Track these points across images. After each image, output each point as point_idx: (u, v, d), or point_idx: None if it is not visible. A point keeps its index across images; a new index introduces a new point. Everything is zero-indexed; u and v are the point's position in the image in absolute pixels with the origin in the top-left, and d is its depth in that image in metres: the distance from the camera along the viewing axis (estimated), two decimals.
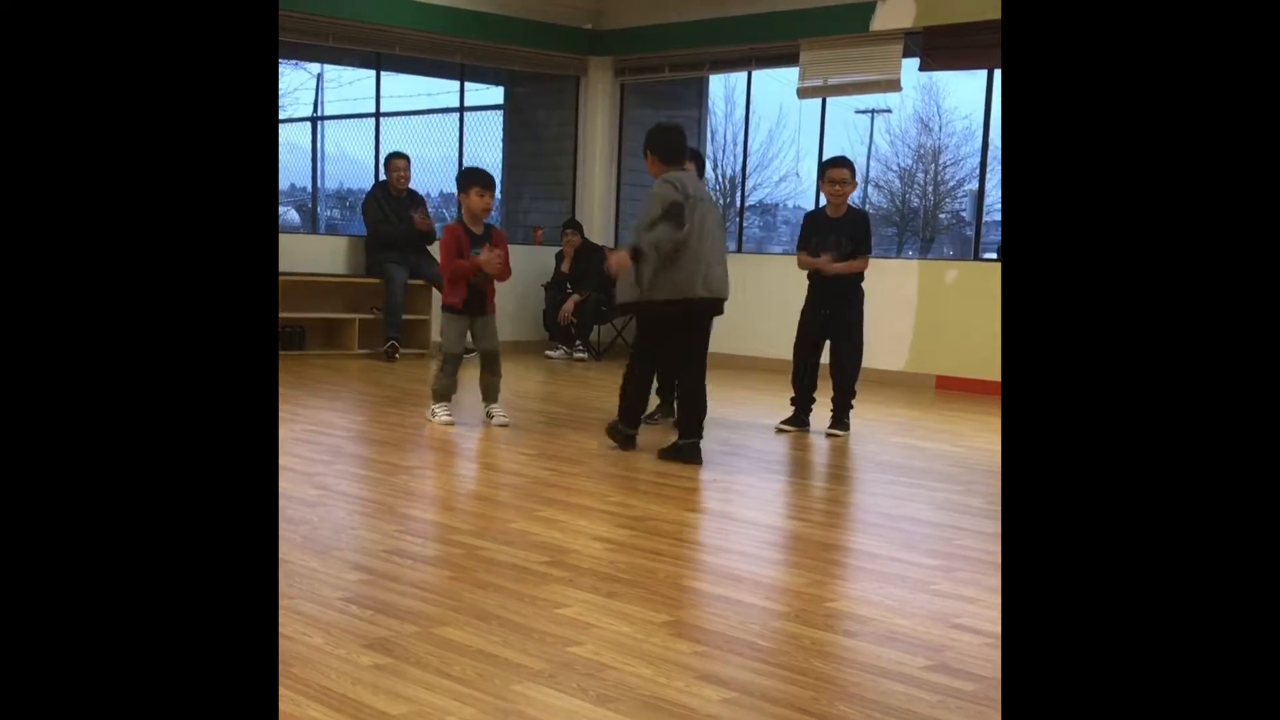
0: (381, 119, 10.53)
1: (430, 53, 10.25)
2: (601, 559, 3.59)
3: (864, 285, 6.40)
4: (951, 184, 19.97)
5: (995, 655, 2.84)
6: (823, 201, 6.63)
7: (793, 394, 6.45)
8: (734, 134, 11.62)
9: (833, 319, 6.33)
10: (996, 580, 3.53)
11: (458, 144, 10.71)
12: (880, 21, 9.01)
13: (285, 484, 4.41)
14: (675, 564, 3.62)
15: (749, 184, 12.15)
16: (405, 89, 11.74)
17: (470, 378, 6.48)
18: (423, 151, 10.75)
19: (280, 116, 11.70)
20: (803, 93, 9.72)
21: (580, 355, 10.02)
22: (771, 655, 2.81)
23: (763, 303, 9.36)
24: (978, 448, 6.15)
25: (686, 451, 5.40)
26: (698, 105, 11.38)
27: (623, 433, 5.66)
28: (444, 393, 6.15)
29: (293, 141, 13.77)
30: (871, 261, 6.44)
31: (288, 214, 14.39)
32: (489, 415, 6.19)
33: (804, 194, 11.28)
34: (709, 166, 12.63)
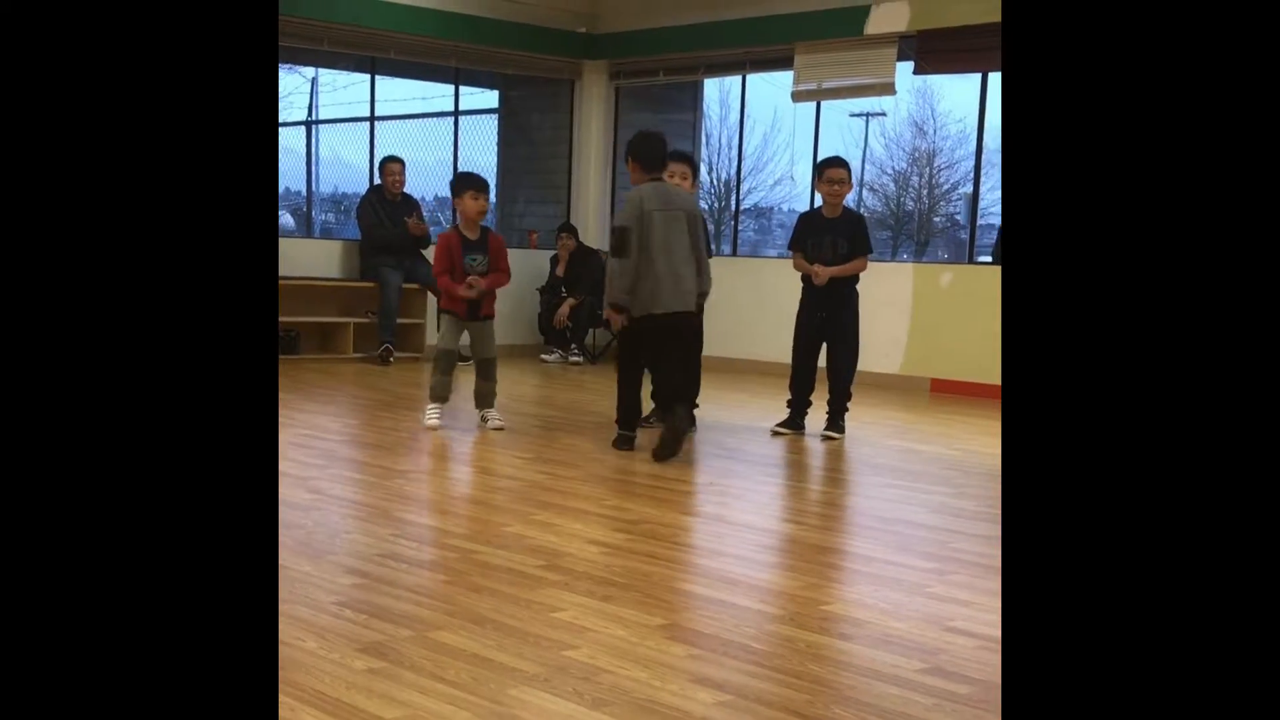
0: (376, 123, 10.52)
1: (425, 56, 10.25)
2: (597, 563, 3.59)
3: (859, 288, 6.41)
4: (946, 187, 19.98)
5: (990, 658, 2.84)
6: (818, 203, 6.62)
7: (789, 397, 6.45)
8: (729, 137, 11.64)
9: (828, 322, 6.33)
10: (991, 583, 3.53)
11: (452, 148, 10.71)
12: (874, 25, 9.02)
13: (280, 488, 4.41)
14: (670, 567, 3.62)
15: (744, 187, 12.16)
16: (400, 93, 11.75)
17: (466, 383, 6.47)
18: (417, 155, 10.76)
19: None
20: (797, 96, 9.73)
21: (575, 359, 10.02)
22: (766, 658, 2.81)
23: (758, 306, 9.36)
24: (973, 451, 6.16)
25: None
26: (692, 109, 11.38)
27: (619, 434, 5.70)
28: (440, 392, 6.11)
29: (287, 145, 13.76)
30: (867, 265, 6.43)
31: (282, 218, 14.37)
32: (484, 419, 6.19)
33: (799, 197, 11.31)
34: (704, 170, 12.65)
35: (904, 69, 9.15)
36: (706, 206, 12.61)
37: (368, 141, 10.38)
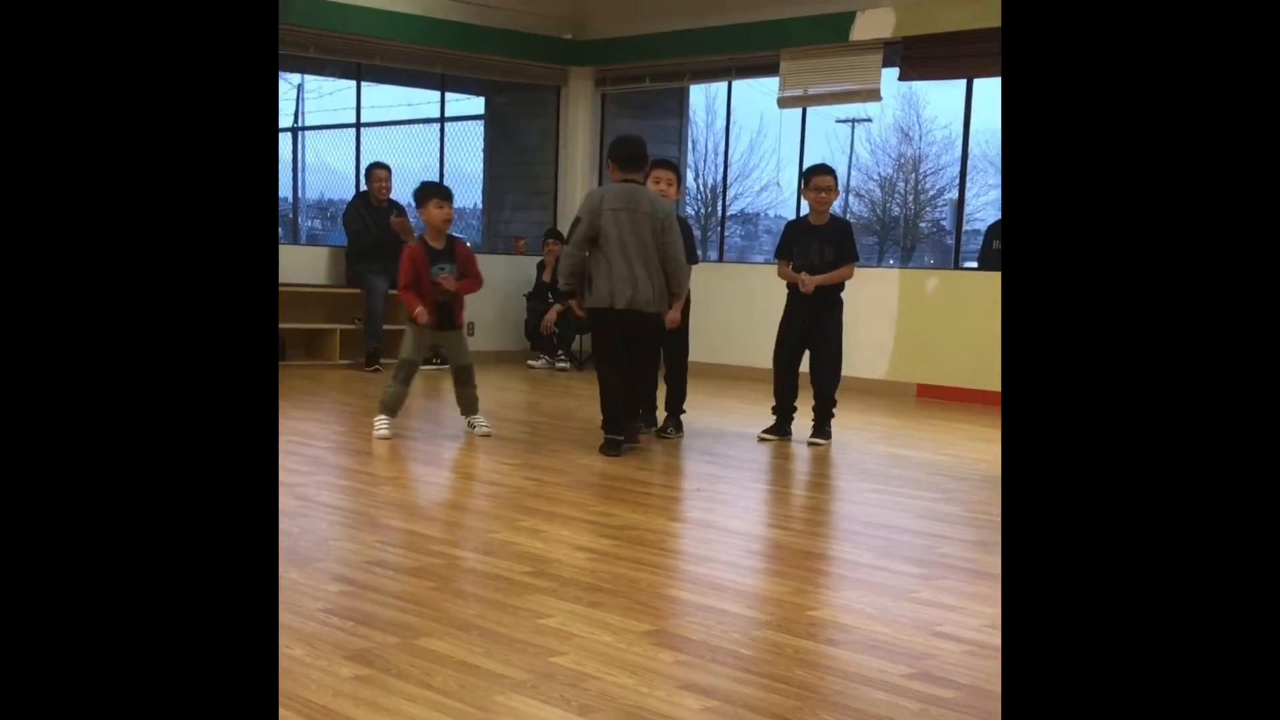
0: (362, 129, 10.51)
1: (410, 63, 10.25)
2: (584, 569, 3.58)
3: (844, 294, 6.42)
4: (932, 193, 20.01)
5: (977, 663, 2.85)
6: (804, 210, 6.64)
7: (774, 403, 6.46)
8: (715, 144, 11.64)
9: (812, 328, 6.34)
10: (978, 588, 3.54)
11: (438, 154, 10.71)
12: (860, 31, 9.04)
13: None
14: (657, 573, 3.62)
15: (730, 193, 12.17)
16: (386, 99, 11.74)
17: (443, 390, 6.47)
18: (403, 162, 10.73)
19: None
20: (783, 102, 9.75)
21: (562, 365, 10.02)
22: (754, 664, 2.81)
23: (744, 312, 9.37)
24: (959, 456, 6.17)
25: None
26: (678, 115, 11.40)
27: (605, 439, 5.72)
28: (392, 405, 6.03)
29: None
30: (854, 272, 6.43)
31: None
32: (471, 425, 6.17)
33: (785, 203, 11.32)
34: (690, 176, 12.66)
35: (889, 75, 9.18)
36: (693, 212, 12.61)
37: (354, 148, 10.37)
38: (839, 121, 18.51)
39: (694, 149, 12.04)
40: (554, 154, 11.16)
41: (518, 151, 11.62)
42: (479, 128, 11.68)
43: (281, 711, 2.37)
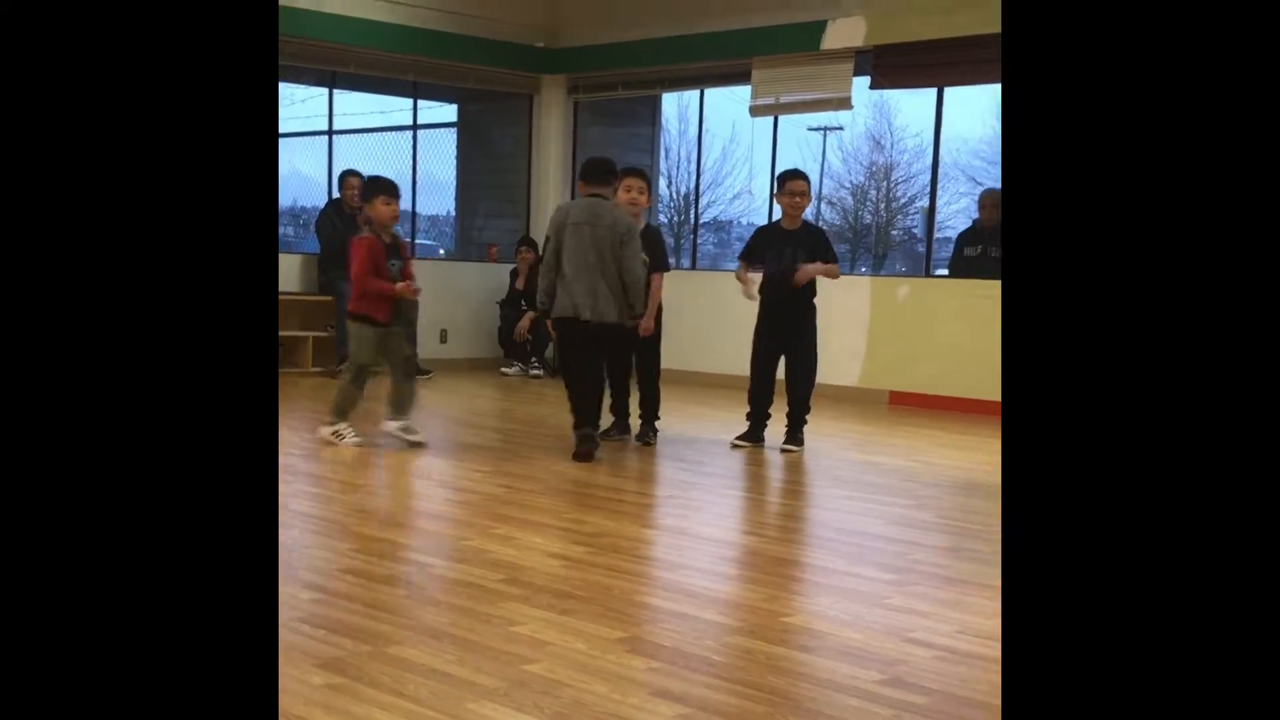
0: (334, 137, 10.49)
1: (383, 70, 10.23)
2: (557, 576, 3.58)
3: (817, 301, 6.44)
4: (904, 201, 20.10)
5: (948, 669, 2.86)
6: (776, 216, 6.66)
7: (748, 409, 6.47)
8: (688, 151, 11.66)
9: (786, 335, 6.36)
10: (949, 594, 3.56)
11: (411, 162, 10.69)
12: (831, 40, 9.08)
13: None
14: (631, 580, 3.62)
15: (703, 201, 12.20)
16: (358, 107, 11.70)
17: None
18: (376, 169, 10.70)
19: None
20: (755, 111, 9.78)
21: (535, 372, 10.01)
22: (726, 671, 2.81)
23: (717, 319, 9.38)
24: (931, 463, 6.19)
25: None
26: (651, 123, 11.42)
27: (577, 440, 5.78)
28: (347, 408, 5.96)
29: None
30: (823, 279, 6.45)
31: None
32: (405, 431, 5.98)
33: (757, 211, 11.34)
34: (663, 184, 12.67)
35: (861, 83, 9.22)
36: (666, 220, 12.64)
37: (326, 155, 10.34)
38: (811, 130, 18.57)
39: (666, 157, 12.07)
40: (526, 162, 11.16)
41: (490, 159, 11.62)
42: (452, 135, 11.67)
43: None
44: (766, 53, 9.50)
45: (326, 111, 10.35)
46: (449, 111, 11.76)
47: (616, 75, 10.63)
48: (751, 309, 6.49)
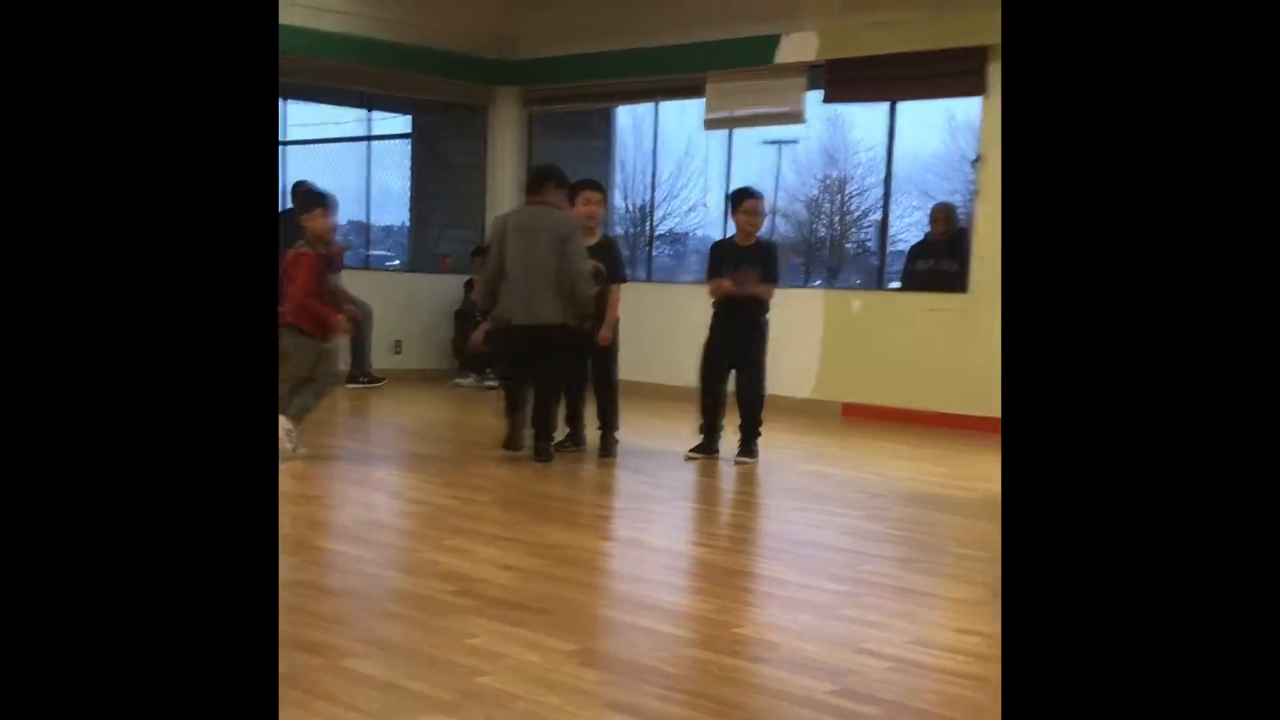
0: (287, 148, 10.43)
1: (336, 81, 10.19)
2: (510, 588, 3.57)
3: (770, 314, 6.46)
4: (857, 214, 20.21)
5: (900, 679, 2.88)
6: (731, 231, 6.69)
7: (700, 421, 6.49)
8: (643, 164, 11.68)
9: (738, 347, 6.38)
10: (901, 605, 3.58)
11: (365, 173, 10.65)
12: (784, 54, 9.13)
13: None
14: (584, 592, 3.62)
15: (659, 214, 12.22)
16: (311, 118, 11.64)
17: (369, 408, 6.42)
18: (329, 181, 10.65)
19: None
20: (709, 124, 9.82)
21: (490, 383, 9.98)
22: (680, 682, 2.82)
23: (673, 330, 9.39)
24: (883, 474, 6.23)
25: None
26: (605, 136, 11.43)
27: (534, 450, 5.90)
28: (299, 414, 5.86)
29: None
30: (779, 291, 6.50)
31: None
32: (287, 436, 5.72)
33: (712, 224, 11.38)
34: (619, 196, 12.68)
35: (814, 97, 9.27)
36: (622, 232, 12.64)
37: (279, 166, 10.28)
38: (765, 143, 18.67)
39: (622, 169, 12.06)
40: (481, 173, 11.15)
41: (445, 170, 11.59)
42: (406, 146, 11.63)
43: None
44: (720, 67, 9.54)
45: (279, 122, 10.28)
46: (403, 123, 11.73)
47: (571, 88, 10.64)
48: (705, 321, 6.51)
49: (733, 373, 6.47)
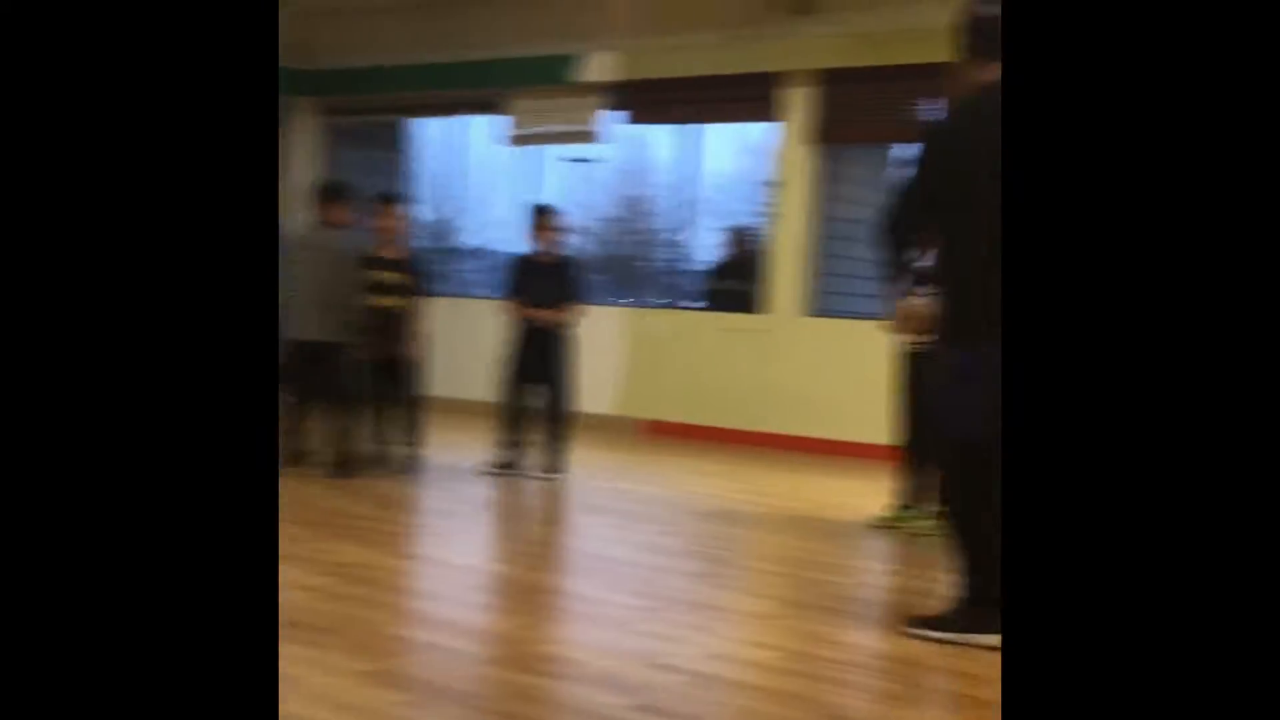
0: None
1: None
2: (305, 608, 3.50)
3: (572, 331, 6.50)
4: (658, 233, 20.48)
5: (696, 693, 2.93)
6: (532, 248, 6.70)
7: (503, 436, 6.48)
8: (444, 179, 11.61)
9: (541, 362, 6.40)
10: (697, 619, 3.64)
11: None
12: (585, 73, 9.21)
13: None
14: (381, 611, 3.57)
15: (460, 229, 12.15)
16: None
17: None
18: None
19: None
20: (512, 140, 9.82)
21: (291, 399, 9.74)
22: (479, 701, 2.80)
23: (475, 345, 9.35)
24: (682, 490, 6.32)
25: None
26: (405, 149, 11.31)
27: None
28: None
29: None
30: (581, 308, 6.55)
31: None
32: None
33: (514, 240, 11.38)
34: (420, 211, 12.56)
35: (615, 117, 9.37)
36: (423, 247, 12.52)
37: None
38: (568, 160, 18.77)
39: (422, 184, 11.96)
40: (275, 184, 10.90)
41: None
42: None
43: None
44: (521, 84, 9.56)
45: None
46: None
47: (370, 100, 10.50)
48: (509, 337, 6.51)
49: (536, 388, 6.49)
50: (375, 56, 10.22)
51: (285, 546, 4.35)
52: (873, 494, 6.21)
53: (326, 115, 10.80)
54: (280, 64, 9.05)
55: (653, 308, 9.95)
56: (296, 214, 10.75)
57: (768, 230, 8.82)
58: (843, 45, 8.15)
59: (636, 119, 9.39)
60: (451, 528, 5.06)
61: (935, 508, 5.19)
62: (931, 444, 4.79)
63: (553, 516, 5.67)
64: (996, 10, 3.41)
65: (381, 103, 10.51)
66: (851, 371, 8.02)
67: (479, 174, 15.98)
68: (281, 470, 5.91)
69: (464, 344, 9.48)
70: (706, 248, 10.36)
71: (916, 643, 3.47)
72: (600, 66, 9.13)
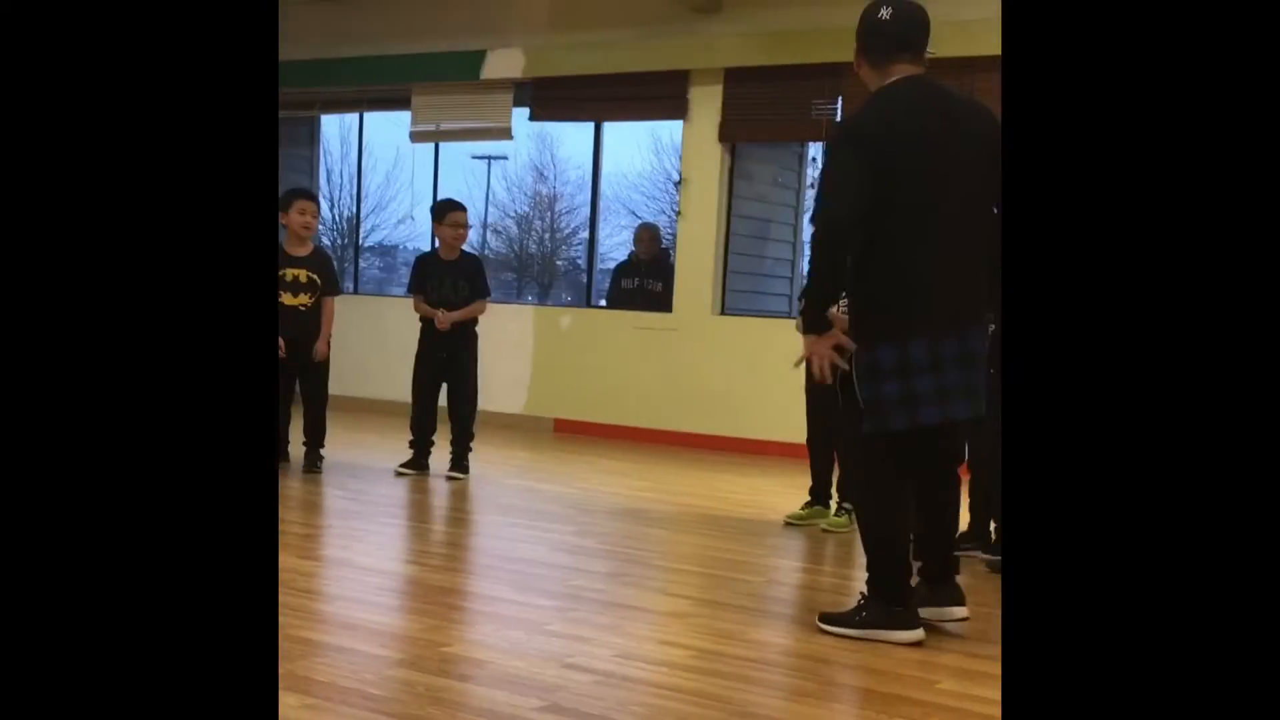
0: None
1: None
2: None
3: (480, 329, 6.46)
4: (567, 231, 20.47)
5: (606, 693, 2.91)
6: (436, 244, 6.65)
7: (411, 436, 6.41)
8: (350, 175, 11.48)
9: (448, 362, 6.35)
10: (609, 619, 3.62)
11: None
12: (490, 70, 9.15)
13: None
14: (285, 614, 3.50)
15: (366, 225, 12.03)
16: None
17: None
18: None
19: None
20: (415, 136, 9.73)
21: None
22: (384, 704, 2.76)
23: (382, 344, 9.25)
24: (593, 489, 6.30)
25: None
26: (310, 145, 11.17)
27: None
28: None
29: None
30: (490, 306, 6.52)
31: None
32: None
33: (421, 236, 11.30)
34: (326, 207, 12.42)
35: (521, 114, 9.33)
36: (330, 243, 12.38)
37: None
38: (475, 158, 18.67)
39: (329, 180, 11.84)
40: None
41: None
42: None
43: None
44: (425, 79, 9.47)
45: None
46: None
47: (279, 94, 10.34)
48: (414, 335, 6.45)
49: (444, 387, 6.43)
50: (283, 50, 10.06)
51: None
52: (784, 492, 6.24)
53: None
54: None
55: (562, 306, 9.93)
56: None
57: (677, 228, 8.84)
58: (751, 44, 8.18)
59: (545, 116, 9.35)
60: (358, 529, 4.99)
61: (846, 505, 5.24)
62: (838, 441, 4.82)
63: (463, 517, 5.62)
64: (892, 13, 3.45)
65: (289, 98, 10.36)
66: (761, 370, 8.06)
67: (386, 170, 15.82)
68: None
69: (371, 342, 9.38)
70: (615, 246, 10.36)
71: (827, 640, 3.48)
72: (509, 63, 9.07)
